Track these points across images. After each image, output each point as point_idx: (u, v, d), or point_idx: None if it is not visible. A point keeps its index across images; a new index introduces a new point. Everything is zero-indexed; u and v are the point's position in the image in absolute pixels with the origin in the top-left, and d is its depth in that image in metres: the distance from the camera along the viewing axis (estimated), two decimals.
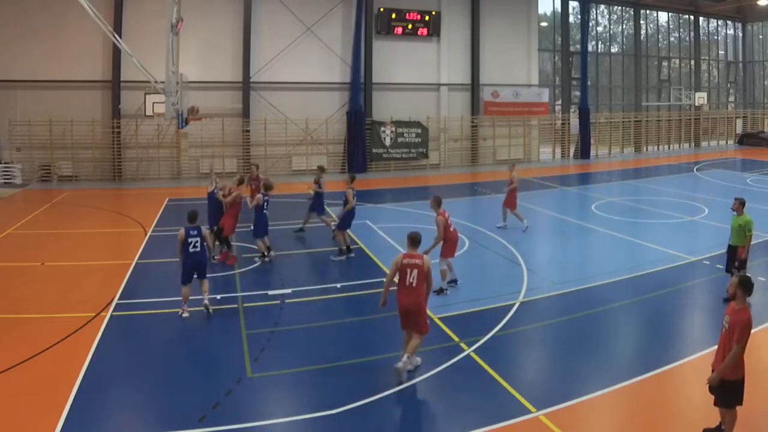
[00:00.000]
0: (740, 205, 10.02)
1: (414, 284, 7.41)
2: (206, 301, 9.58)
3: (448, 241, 10.49)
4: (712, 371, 5.89)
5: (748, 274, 6.46)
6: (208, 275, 9.87)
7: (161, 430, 6.26)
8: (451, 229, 10.59)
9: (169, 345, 8.55)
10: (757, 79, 42.57)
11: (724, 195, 20.63)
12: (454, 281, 10.86)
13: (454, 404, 6.88)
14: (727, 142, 40.72)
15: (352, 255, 12.96)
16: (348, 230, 13.34)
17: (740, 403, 5.78)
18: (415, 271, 7.40)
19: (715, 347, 6.02)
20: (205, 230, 9.81)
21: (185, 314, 9.42)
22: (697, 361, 7.79)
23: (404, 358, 7.31)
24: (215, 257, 12.24)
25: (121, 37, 19.26)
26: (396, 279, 7.65)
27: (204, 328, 9.25)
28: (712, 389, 5.87)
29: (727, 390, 5.72)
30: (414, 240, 7.69)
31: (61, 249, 13.87)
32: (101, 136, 24.59)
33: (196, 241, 9.42)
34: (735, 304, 5.79)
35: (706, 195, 20.57)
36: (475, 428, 6.25)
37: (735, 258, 9.99)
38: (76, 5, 13.40)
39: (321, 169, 15.60)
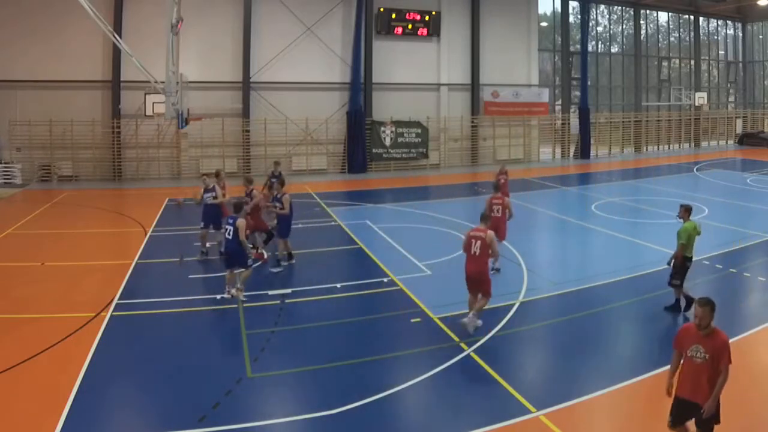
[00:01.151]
0: (685, 211, 9.65)
1: (477, 253, 8.65)
2: (227, 294, 9.89)
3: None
4: (692, 402, 5.33)
5: (698, 297, 5.88)
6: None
7: (161, 430, 6.26)
8: (492, 214, 11.25)
9: (169, 345, 8.54)
10: (757, 79, 42.57)
11: (724, 195, 20.68)
12: (496, 270, 11.38)
13: (454, 404, 6.88)
14: (727, 142, 40.71)
15: (293, 262, 12.37)
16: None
17: (719, 421, 5.33)
18: (479, 242, 8.67)
19: None
20: (240, 222, 9.89)
21: (236, 296, 9.99)
22: None
23: (470, 315, 8.54)
24: (258, 250, 12.44)
25: (121, 37, 19.26)
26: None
27: (204, 328, 9.28)
28: (706, 420, 5.24)
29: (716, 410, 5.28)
30: (484, 217, 9.17)
31: (61, 249, 13.86)
32: (101, 136, 24.59)
33: (230, 229, 9.95)
34: (705, 330, 5.28)
35: (706, 195, 20.55)
36: (475, 428, 6.25)
37: (680, 266, 9.47)
38: (76, 5, 13.39)
39: (276, 163, 15.65)
